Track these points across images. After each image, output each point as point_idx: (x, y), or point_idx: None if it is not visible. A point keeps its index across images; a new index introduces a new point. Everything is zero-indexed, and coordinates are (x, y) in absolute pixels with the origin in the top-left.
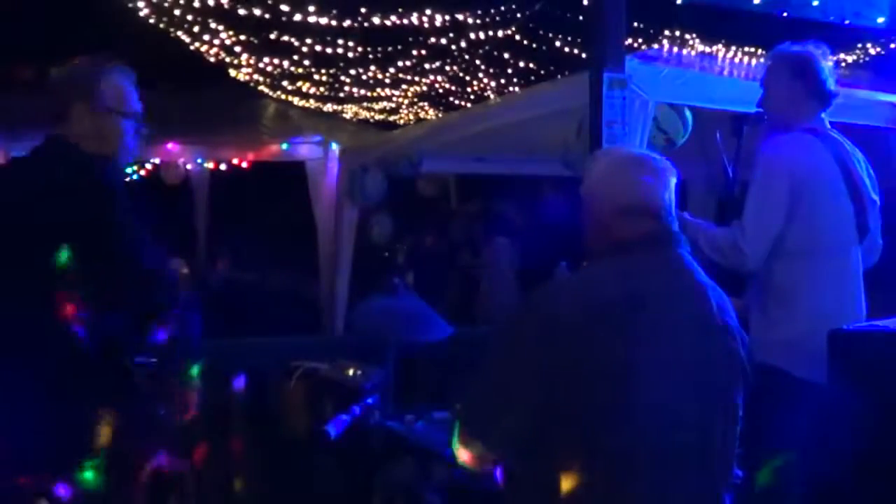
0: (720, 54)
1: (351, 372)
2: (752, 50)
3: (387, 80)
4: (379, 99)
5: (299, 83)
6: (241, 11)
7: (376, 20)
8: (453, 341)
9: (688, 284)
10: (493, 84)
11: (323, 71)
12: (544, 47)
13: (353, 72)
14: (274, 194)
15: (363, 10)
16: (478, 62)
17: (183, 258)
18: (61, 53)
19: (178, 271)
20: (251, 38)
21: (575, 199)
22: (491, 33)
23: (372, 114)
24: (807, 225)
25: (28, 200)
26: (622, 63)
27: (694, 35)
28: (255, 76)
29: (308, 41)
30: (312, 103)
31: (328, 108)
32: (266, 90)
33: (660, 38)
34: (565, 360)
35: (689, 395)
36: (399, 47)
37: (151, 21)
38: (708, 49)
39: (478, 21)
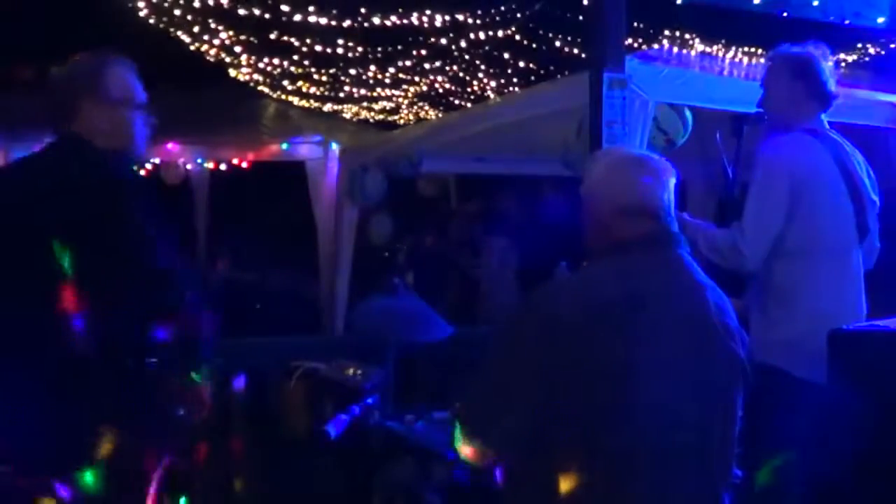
0: (720, 54)
1: (351, 372)
2: (752, 50)
3: (387, 80)
4: (379, 99)
5: (299, 83)
6: (241, 11)
7: (376, 20)
8: (453, 341)
9: (687, 284)
10: (493, 84)
11: (323, 71)
12: (544, 47)
13: (353, 72)
14: (274, 194)
15: (363, 10)
16: (478, 62)
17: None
18: (61, 53)
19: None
20: (251, 38)
21: (575, 199)
22: (491, 33)
23: (372, 114)
24: (807, 225)
25: (40, 197)
26: (622, 63)
27: (694, 35)
28: (255, 76)
29: (308, 41)
30: (312, 103)
31: (328, 108)
32: (266, 90)
33: (660, 38)
34: (565, 360)
35: (688, 394)
36: (399, 47)
37: (151, 21)
38: (708, 49)
39: (478, 21)
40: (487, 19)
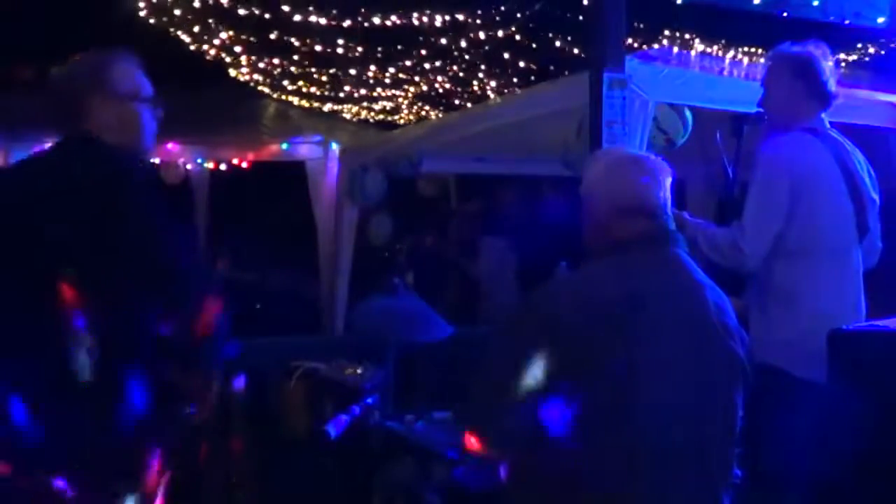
0: (720, 54)
1: (351, 372)
2: (752, 50)
3: (387, 80)
4: (379, 99)
5: (299, 83)
6: (241, 11)
7: (376, 20)
8: (453, 341)
9: (685, 283)
10: (493, 84)
11: (323, 71)
12: (544, 47)
13: (353, 72)
14: (274, 194)
15: (363, 10)
16: (478, 62)
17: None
18: (61, 53)
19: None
20: (251, 38)
21: (575, 200)
22: (491, 33)
23: (372, 114)
24: (807, 225)
25: (56, 196)
26: (622, 63)
27: (694, 35)
28: (255, 76)
29: (308, 41)
30: (312, 103)
31: (328, 108)
32: (266, 90)
33: (660, 38)
34: (565, 360)
35: (687, 394)
36: (399, 47)
37: (151, 21)
38: (708, 49)
39: (478, 21)
40: (487, 19)
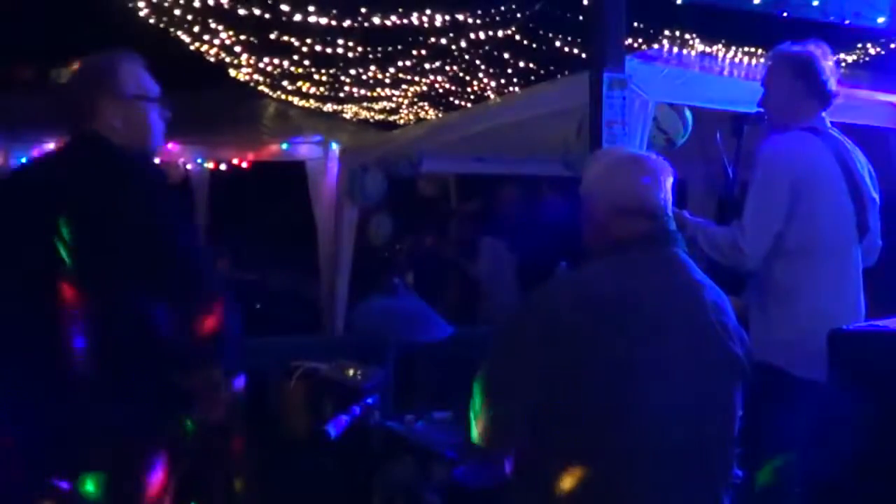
0: (720, 54)
1: (351, 372)
2: (752, 50)
3: (387, 80)
4: (379, 99)
5: (299, 83)
6: (241, 11)
7: (376, 20)
8: (453, 341)
9: (684, 282)
10: (493, 84)
11: (323, 71)
12: (544, 47)
13: (353, 72)
14: (274, 194)
15: (363, 10)
16: (478, 62)
17: None
18: (61, 53)
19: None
20: (251, 38)
21: (575, 200)
22: (491, 33)
23: (372, 114)
24: (807, 224)
25: (71, 195)
26: (622, 63)
27: (694, 35)
28: (255, 76)
29: (308, 41)
30: (312, 103)
31: (328, 108)
32: (266, 90)
33: (660, 38)
34: (564, 359)
35: (685, 393)
36: (399, 47)
37: (151, 21)
38: (708, 49)
39: (478, 21)
40: (487, 19)
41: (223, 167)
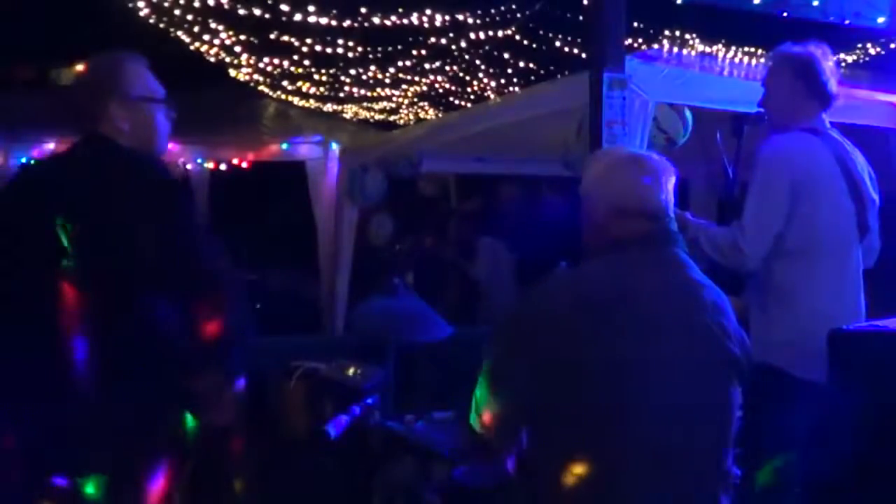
0: (720, 54)
1: (351, 372)
2: (752, 50)
3: (387, 80)
4: (379, 99)
5: (299, 83)
6: (241, 11)
7: (376, 20)
8: (453, 341)
9: (681, 282)
10: (493, 84)
11: (323, 71)
12: (544, 47)
13: (353, 72)
14: (274, 194)
15: (363, 10)
16: (478, 62)
17: None
18: (61, 53)
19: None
20: (251, 38)
21: (574, 200)
22: (491, 33)
23: (372, 114)
24: (807, 224)
25: (69, 190)
26: (622, 63)
27: (694, 35)
28: (255, 76)
29: (308, 41)
30: (312, 103)
31: (328, 108)
32: (266, 90)
33: (660, 38)
34: (560, 357)
35: (682, 392)
36: (399, 47)
37: (151, 21)
38: (708, 49)
39: (478, 21)
40: (487, 19)
41: (223, 167)
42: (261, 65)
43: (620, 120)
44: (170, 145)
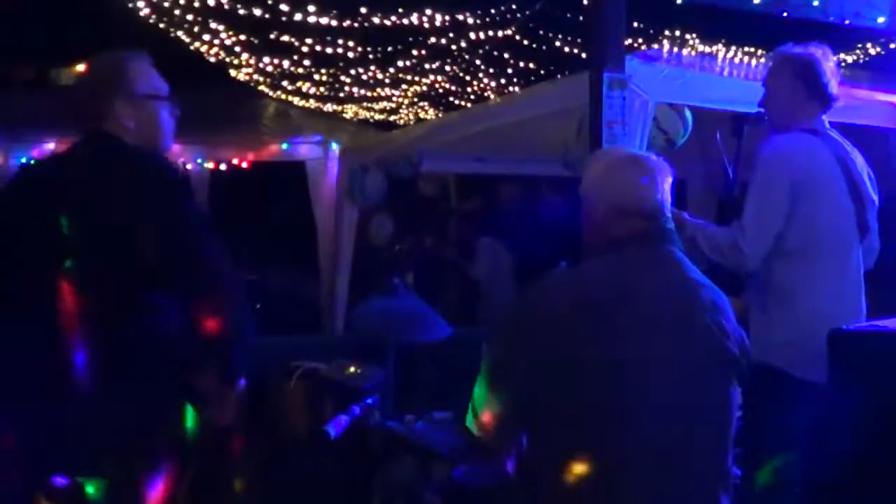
0: (720, 54)
1: (351, 372)
2: (752, 50)
3: (387, 80)
4: (379, 99)
5: (299, 83)
6: (241, 11)
7: (376, 20)
8: (453, 341)
9: (680, 282)
10: (493, 84)
11: (323, 71)
12: (544, 47)
13: (353, 72)
14: (274, 194)
15: (363, 10)
16: (478, 62)
17: None
18: (61, 53)
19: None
20: (251, 38)
21: (574, 200)
22: (491, 33)
23: (372, 114)
24: (807, 224)
25: (73, 188)
26: (622, 63)
27: (694, 35)
28: (255, 76)
29: (308, 41)
30: (312, 103)
31: (328, 108)
32: (266, 90)
33: (660, 38)
34: (558, 356)
35: (679, 392)
36: (399, 47)
37: (151, 21)
38: (708, 49)
39: (478, 21)
40: (487, 19)
41: (223, 167)
42: (261, 65)
43: (620, 120)
44: None
